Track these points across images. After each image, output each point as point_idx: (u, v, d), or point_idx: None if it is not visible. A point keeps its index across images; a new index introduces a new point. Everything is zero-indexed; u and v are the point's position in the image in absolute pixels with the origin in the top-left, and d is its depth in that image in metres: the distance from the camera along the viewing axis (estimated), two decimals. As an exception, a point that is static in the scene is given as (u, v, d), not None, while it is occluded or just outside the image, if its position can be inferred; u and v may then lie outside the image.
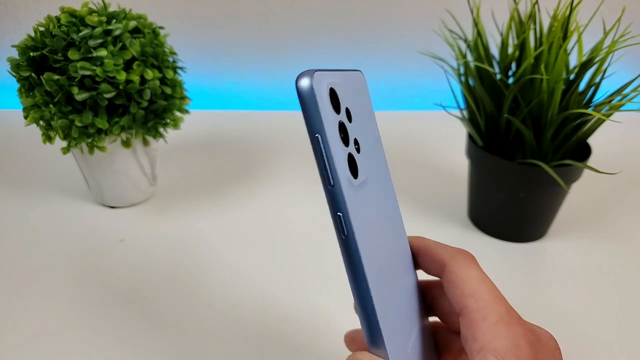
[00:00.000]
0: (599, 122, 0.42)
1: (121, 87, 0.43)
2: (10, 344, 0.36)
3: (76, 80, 0.42)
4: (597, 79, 0.42)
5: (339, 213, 0.17)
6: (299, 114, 0.79)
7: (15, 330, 0.37)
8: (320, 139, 0.16)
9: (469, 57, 0.46)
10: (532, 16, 0.41)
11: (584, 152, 0.46)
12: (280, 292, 0.41)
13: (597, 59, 0.40)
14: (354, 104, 0.19)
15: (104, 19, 0.43)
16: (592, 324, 0.39)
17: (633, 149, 0.70)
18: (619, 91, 0.41)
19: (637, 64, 0.63)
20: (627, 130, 0.71)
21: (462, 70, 0.46)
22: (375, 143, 0.21)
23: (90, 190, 0.54)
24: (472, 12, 0.45)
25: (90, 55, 0.42)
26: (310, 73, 0.16)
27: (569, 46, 0.42)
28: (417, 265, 0.24)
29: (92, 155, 0.48)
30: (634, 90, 0.39)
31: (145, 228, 0.49)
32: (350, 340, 0.25)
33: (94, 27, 0.43)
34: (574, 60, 0.44)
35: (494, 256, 0.46)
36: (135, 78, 0.43)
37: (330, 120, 0.17)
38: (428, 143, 0.71)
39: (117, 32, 0.43)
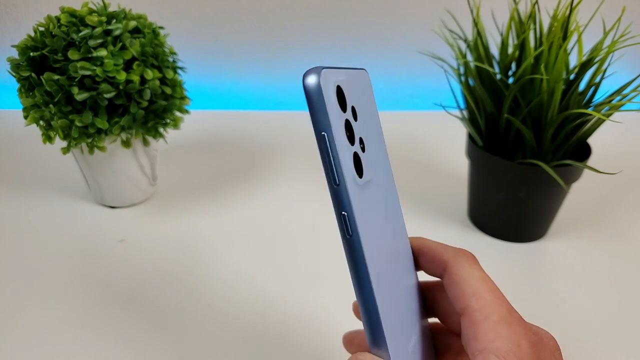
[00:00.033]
0: (599, 122, 0.42)
1: (121, 87, 0.43)
2: (10, 344, 0.36)
3: (76, 80, 0.42)
4: (597, 79, 0.42)
5: (343, 212, 0.17)
6: (299, 114, 0.79)
7: (15, 330, 0.37)
8: (326, 137, 0.16)
9: (469, 57, 0.46)
10: (532, 16, 0.41)
11: (584, 152, 0.46)
12: (280, 292, 0.41)
13: (597, 59, 0.40)
14: (359, 102, 0.19)
15: (104, 19, 0.43)
16: (592, 323, 0.39)
17: (633, 149, 0.70)
18: (619, 91, 0.41)
19: (637, 64, 0.63)
20: (627, 130, 0.71)
21: (462, 70, 0.46)
22: (379, 142, 0.21)
23: (90, 190, 0.54)
24: (472, 12, 0.45)
25: (90, 55, 0.42)
26: (317, 70, 0.16)
27: (569, 46, 0.42)
28: (417, 265, 0.24)
29: (92, 155, 0.48)
30: (634, 90, 0.39)
31: (145, 228, 0.49)
32: (349, 341, 0.25)
33: (94, 27, 0.43)
34: (574, 60, 0.44)
35: (494, 256, 0.46)
36: (135, 78, 0.43)
37: (336, 118, 0.17)
38: (428, 143, 0.71)
39: (117, 32, 0.43)
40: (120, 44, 0.43)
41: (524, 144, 0.43)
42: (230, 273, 0.43)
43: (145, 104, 0.45)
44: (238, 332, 0.37)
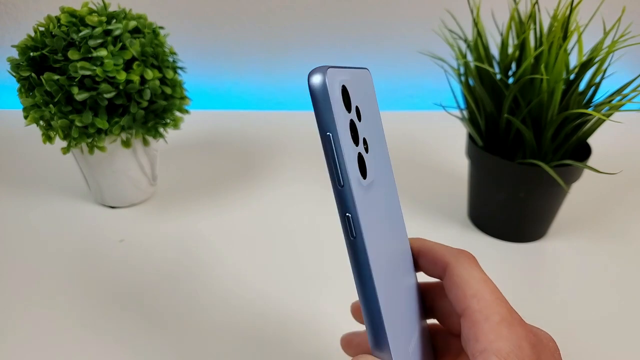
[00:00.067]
0: (599, 122, 0.42)
1: (121, 87, 0.43)
2: (10, 344, 0.36)
3: (76, 80, 0.42)
4: (597, 79, 0.42)
5: (347, 214, 0.17)
6: (299, 114, 0.79)
7: (15, 330, 0.37)
8: (332, 137, 0.16)
9: (469, 57, 0.46)
10: (532, 16, 0.41)
11: (584, 152, 0.46)
12: (280, 292, 0.41)
13: (597, 59, 0.40)
14: (363, 102, 0.19)
15: (104, 19, 0.43)
16: (592, 324, 0.39)
17: (633, 149, 0.70)
18: (619, 91, 0.41)
19: (637, 64, 0.63)
20: (627, 130, 0.71)
21: (462, 70, 0.46)
22: (381, 142, 0.21)
23: (90, 190, 0.54)
24: (472, 12, 0.45)
25: (90, 55, 0.42)
26: (323, 69, 0.16)
27: (569, 46, 0.42)
28: (417, 266, 0.24)
29: (92, 155, 0.48)
30: (634, 90, 0.39)
31: (145, 228, 0.49)
32: (347, 343, 0.25)
33: (94, 27, 0.43)
34: (574, 60, 0.44)
35: (494, 256, 0.46)
36: (135, 78, 0.43)
37: (342, 118, 0.16)
38: (428, 143, 0.71)
39: (117, 32, 0.43)
40: (120, 44, 0.43)
41: (524, 144, 0.43)
42: (230, 273, 0.43)
43: (145, 104, 0.45)
44: (238, 332, 0.37)
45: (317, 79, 0.16)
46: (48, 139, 0.46)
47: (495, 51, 0.47)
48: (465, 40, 0.46)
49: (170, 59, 0.49)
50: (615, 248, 0.48)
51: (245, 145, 0.68)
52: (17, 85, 0.45)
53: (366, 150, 0.19)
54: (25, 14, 0.76)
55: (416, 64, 0.82)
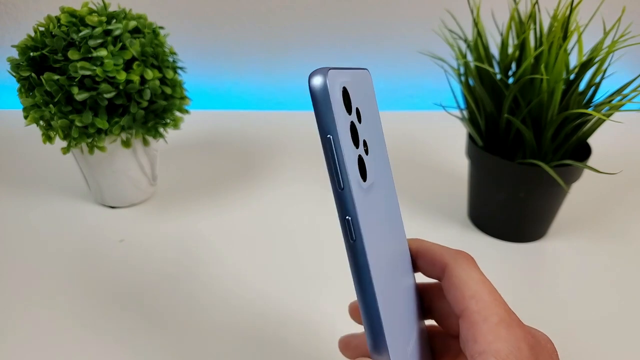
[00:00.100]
0: (599, 122, 0.42)
1: (121, 87, 0.43)
2: (10, 344, 0.36)
3: (76, 80, 0.42)
4: (597, 79, 0.42)
5: (347, 217, 0.17)
6: (299, 114, 0.79)
7: (15, 330, 0.37)
8: (332, 140, 0.16)
9: (469, 57, 0.46)
10: (532, 16, 0.41)
11: (584, 152, 0.46)
12: (280, 293, 0.41)
13: (597, 59, 0.40)
14: (363, 103, 0.19)
15: (104, 19, 0.43)
16: (592, 324, 0.39)
17: (633, 149, 0.70)
18: (619, 91, 0.41)
19: (637, 64, 0.63)
20: (627, 130, 0.71)
21: (462, 70, 0.46)
22: (380, 143, 0.21)
23: (90, 190, 0.54)
24: (472, 12, 0.45)
25: (90, 55, 0.42)
26: (324, 71, 0.16)
27: (569, 46, 0.42)
28: (415, 267, 0.24)
29: (92, 155, 0.48)
30: (634, 90, 0.39)
31: (145, 228, 0.49)
32: (345, 345, 0.25)
33: (94, 27, 0.43)
34: (574, 60, 0.44)
35: (494, 256, 0.46)
36: (135, 78, 0.43)
37: (342, 121, 0.16)
38: (428, 143, 0.71)
39: (117, 32, 0.43)
40: (120, 44, 0.43)
41: (524, 144, 0.43)
42: (230, 273, 0.43)
43: (145, 104, 0.45)
44: (238, 332, 0.37)
45: (317, 81, 0.16)
46: (48, 139, 0.46)
47: (495, 51, 0.47)
48: (465, 40, 0.46)
49: (170, 59, 0.49)
50: (615, 248, 0.48)
51: (245, 145, 0.68)
52: (17, 85, 0.45)
53: (366, 152, 0.18)
54: (25, 14, 0.76)
55: (416, 64, 0.82)
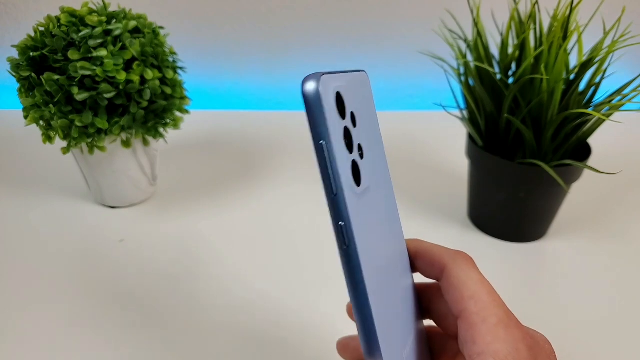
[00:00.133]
0: (599, 122, 0.42)
1: (121, 87, 0.43)
2: (10, 344, 0.36)
3: (76, 80, 0.42)
4: (597, 79, 0.42)
5: (340, 222, 0.17)
6: (298, 114, 0.79)
7: (15, 330, 0.37)
8: (324, 146, 0.16)
9: (469, 57, 0.46)
10: (532, 16, 0.41)
11: (584, 152, 0.46)
12: (280, 293, 0.41)
13: (597, 59, 0.40)
14: (359, 107, 0.19)
15: (104, 19, 0.43)
16: (592, 324, 0.39)
17: (633, 149, 0.70)
18: (619, 91, 0.41)
19: (637, 64, 0.63)
20: (627, 130, 0.71)
21: (462, 70, 0.46)
22: (377, 145, 0.21)
23: (90, 190, 0.54)
24: (472, 12, 0.45)
25: (90, 55, 0.42)
26: (317, 76, 0.16)
27: (569, 46, 0.42)
28: (414, 268, 0.24)
29: (92, 155, 0.48)
30: (634, 90, 0.39)
31: (145, 228, 0.49)
32: (343, 347, 0.25)
33: (94, 27, 0.43)
34: (574, 60, 0.44)
35: (494, 256, 0.46)
36: (135, 78, 0.43)
37: (335, 126, 0.16)
38: (428, 143, 0.71)
39: (117, 32, 0.43)
40: (120, 44, 0.43)
41: (524, 144, 0.43)
42: (230, 273, 0.43)
43: (145, 104, 0.45)
44: (238, 332, 0.37)
45: (310, 87, 0.15)
46: (48, 139, 0.46)
47: (495, 51, 0.47)
48: (465, 40, 0.46)
49: (170, 59, 0.49)
50: (615, 248, 0.48)
51: (245, 145, 0.68)
52: (17, 85, 0.45)
53: (361, 156, 0.18)
54: (25, 14, 0.76)
55: (416, 64, 0.82)
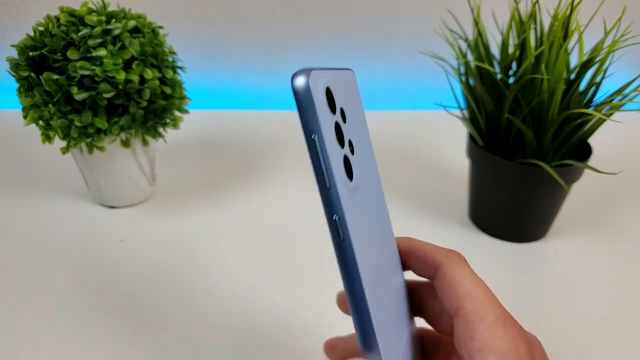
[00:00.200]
0: (600, 122, 0.42)
1: (120, 86, 0.43)
2: (10, 344, 0.36)
3: (75, 80, 0.42)
4: (598, 79, 0.42)
5: (335, 216, 0.17)
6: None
7: (15, 330, 0.37)
8: (316, 140, 0.16)
9: (470, 57, 0.46)
10: (532, 16, 0.41)
11: (584, 152, 0.45)
12: (280, 293, 0.41)
13: (597, 59, 0.40)
14: (347, 103, 0.19)
15: (103, 18, 0.43)
16: (592, 324, 0.39)
17: (633, 149, 0.70)
18: (619, 91, 0.41)
19: (637, 64, 0.63)
20: (628, 130, 0.71)
21: (462, 70, 0.46)
22: (366, 143, 0.21)
23: (90, 190, 0.54)
24: (472, 11, 0.45)
25: (89, 55, 0.42)
26: (306, 72, 0.16)
27: (570, 46, 0.42)
28: (406, 266, 0.23)
29: (92, 155, 0.47)
30: (635, 90, 0.39)
31: (145, 228, 0.49)
32: (331, 348, 0.25)
33: (93, 27, 0.43)
34: (574, 60, 0.44)
35: (494, 256, 0.46)
36: (135, 78, 0.43)
37: (327, 120, 0.16)
38: (428, 143, 0.70)
39: (116, 32, 0.43)
40: (120, 43, 0.43)
41: (525, 144, 0.43)
42: (230, 273, 0.43)
43: (144, 103, 0.45)
44: (237, 332, 0.37)
45: (300, 82, 0.15)
46: (47, 138, 0.46)
47: (495, 51, 0.47)
48: (466, 40, 0.46)
49: (170, 59, 0.49)
50: (616, 248, 0.48)
51: (245, 145, 0.68)
52: (17, 85, 0.45)
53: (352, 152, 0.18)
54: (25, 14, 0.76)
55: (416, 64, 0.82)
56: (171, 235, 0.48)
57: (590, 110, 0.37)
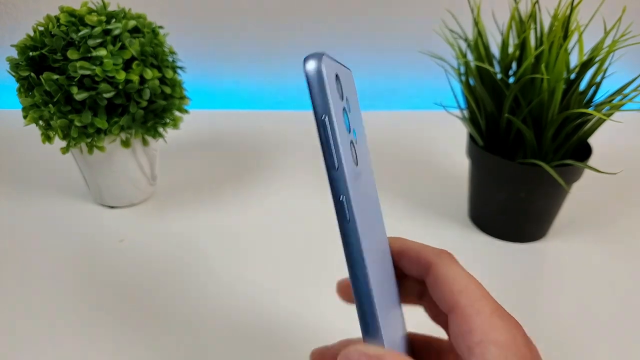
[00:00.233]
0: (600, 122, 0.42)
1: (120, 86, 0.43)
2: (10, 344, 0.36)
3: (75, 80, 0.42)
4: (598, 79, 0.42)
5: (342, 196, 0.17)
6: (299, 114, 0.79)
7: (15, 330, 0.37)
8: (327, 120, 0.16)
9: (470, 57, 0.46)
10: (532, 16, 0.41)
11: (584, 152, 0.45)
12: (281, 293, 0.41)
13: (597, 59, 0.40)
14: (350, 97, 0.20)
15: (103, 18, 0.43)
16: (592, 324, 0.39)
17: (634, 149, 0.70)
18: (619, 91, 0.41)
19: (637, 64, 0.63)
20: (628, 130, 0.71)
21: (462, 69, 0.46)
22: (364, 141, 0.21)
23: (90, 190, 0.53)
24: (472, 11, 0.45)
25: (89, 55, 0.42)
26: (319, 55, 0.16)
27: (570, 46, 0.42)
28: (397, 266, 0.24)
29: (92, 155, 0.47)
30: (635, 89, 0.39)
31: (145, 228, 0.49)
32: (318, 357, 0.25)
33: (93, 27, 0.43)
34: (574, 60, 0.44)
35: (494, 256, 0.46)
36: (135, 78, 0.43)
37: (336, 103, 0.17)
38: (428, 143, 0.70)
39: (116, 32, 0.43)
40: (120, 43, 0.43)
41: (525, 144, 0.43)
42: (231, 273, 0.43)
43: (144, 103, 0.45)
44: (238, 332, 0.37)
45: (312, 64, 0.16)
46: (47, 138, 0.46)
47: (495, 51, 0.47)
48: (466, 40, 0.46)
49: (170, 59, 0.49)
50: (616, 248, 0.48)
51: (245, 145, 0.68)
52: (17, 85, 0.45)
53: (355, 141, 0.19)
54: (25, 14, 0.76)
55: (416, 64, 0.82)
56: (171, 235, 0.48)
57: (590, 110, 0.37)
